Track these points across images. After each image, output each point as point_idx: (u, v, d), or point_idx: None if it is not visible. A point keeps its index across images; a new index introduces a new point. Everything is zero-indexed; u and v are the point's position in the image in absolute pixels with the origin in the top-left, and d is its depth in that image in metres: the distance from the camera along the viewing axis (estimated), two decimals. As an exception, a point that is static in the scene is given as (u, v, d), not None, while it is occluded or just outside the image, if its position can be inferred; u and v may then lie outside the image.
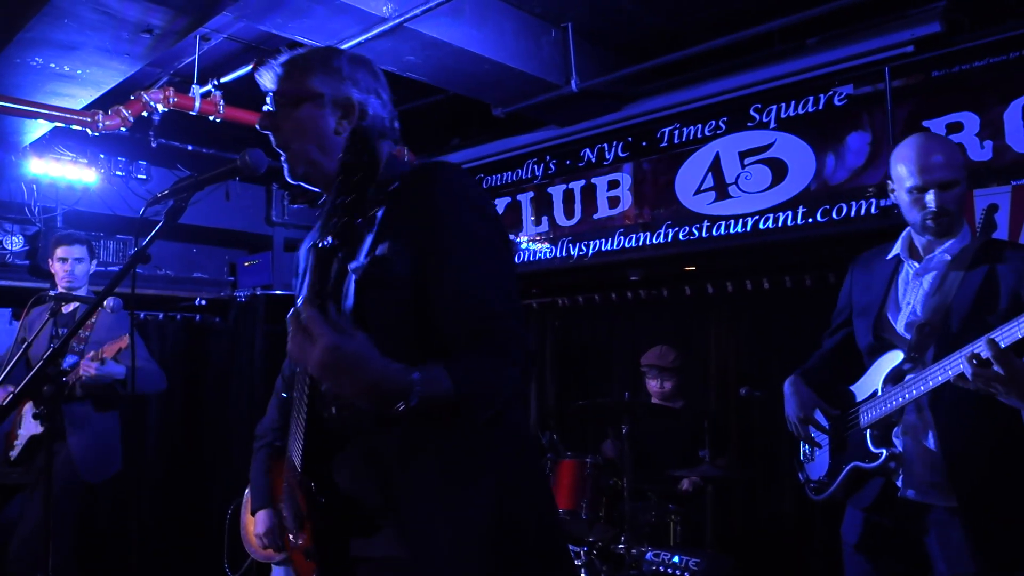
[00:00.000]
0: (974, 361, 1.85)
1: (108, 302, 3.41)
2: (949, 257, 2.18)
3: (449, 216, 1.43)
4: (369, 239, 1.49)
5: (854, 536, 2.26)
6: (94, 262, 3.90)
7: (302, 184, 1.64)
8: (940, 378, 1.99)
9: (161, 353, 6.37)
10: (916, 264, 2.25)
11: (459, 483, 1.41)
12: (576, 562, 3.65)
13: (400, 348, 1.38)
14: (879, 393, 2.19)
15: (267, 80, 1.62)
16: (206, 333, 6.48)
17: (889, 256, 2.33)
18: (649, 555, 3.33)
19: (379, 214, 1.51)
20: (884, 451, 2.14)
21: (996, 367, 1.82)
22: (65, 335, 1.78)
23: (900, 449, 2.13)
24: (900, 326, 2.21)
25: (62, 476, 3.45)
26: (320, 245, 1.26)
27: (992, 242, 2.21)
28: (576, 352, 5.63)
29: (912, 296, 2.23)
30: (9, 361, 3.60)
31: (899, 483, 2.12)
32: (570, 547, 3.74)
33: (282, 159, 1.61)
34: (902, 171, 2.20)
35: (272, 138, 1.61)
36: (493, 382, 1.34)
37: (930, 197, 2.15)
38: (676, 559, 3.22)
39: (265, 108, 1.62)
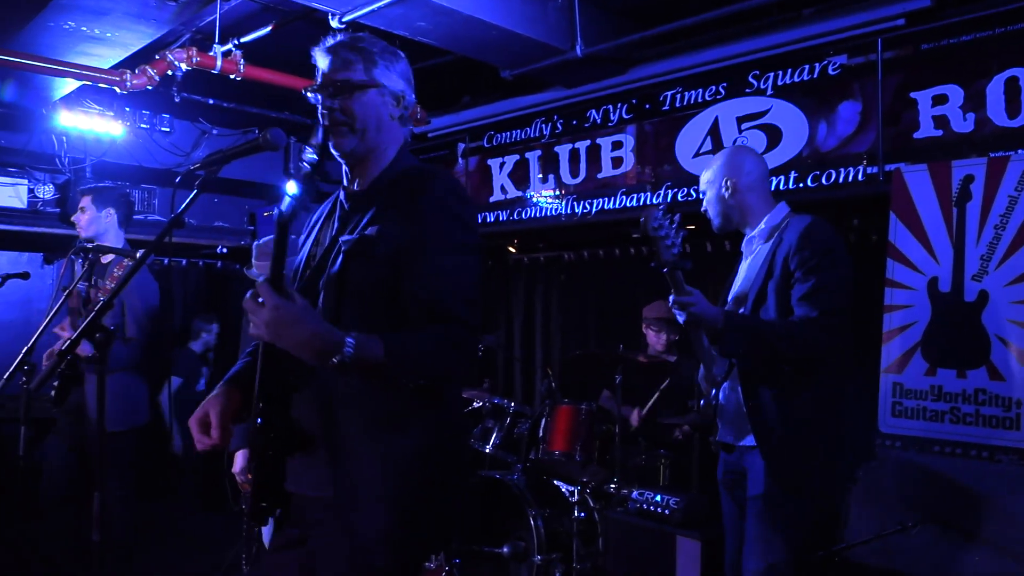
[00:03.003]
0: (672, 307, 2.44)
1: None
2: (761, 237, 2.65)
3: (432, 218, 1.73)
4: (364, 221, 1.77)
5: (720, 474, 2.74)
6: (107, 210, 3.71)
7: (337, 153, 1.82)
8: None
9: (184, 298, 6.73)
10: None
11: (389, 429, 1.70)
12: (571, 500, 3.95)
13: (373, 313, 1.70)
14: None
15: (324, 63, 1.81)
16: (227, 279, 6.85)
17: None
18: (635, 494, 3.61)
19: (378, 201, 1.79)
20: (710, 402, 2.64)
21: (676, 310, 2.41)
22: (112, 290, 2.03)
23: (720, 401, 2.63)
24: (731, 299, 2.69)
25: (88, 422, 3.56)
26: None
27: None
28: (579, 304, 5.88)
29: (742, 272, 2.71)
30: (51, 310, 3.80)
31: (721, 427, 2.64)
32: (565, 486, 4.04)
33: (319, 131, 1.72)
34: None
35: (325, 112, 1.78)
36: (423, 359, 1.64)
37: None
38: (658, 498, 3.50)
39: (322, 85, 1.79)
